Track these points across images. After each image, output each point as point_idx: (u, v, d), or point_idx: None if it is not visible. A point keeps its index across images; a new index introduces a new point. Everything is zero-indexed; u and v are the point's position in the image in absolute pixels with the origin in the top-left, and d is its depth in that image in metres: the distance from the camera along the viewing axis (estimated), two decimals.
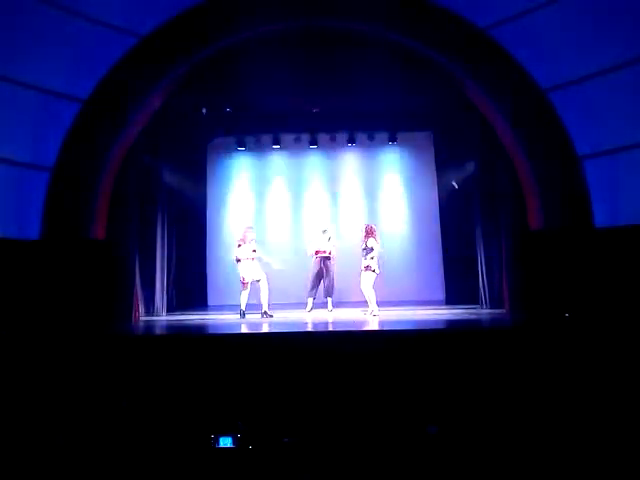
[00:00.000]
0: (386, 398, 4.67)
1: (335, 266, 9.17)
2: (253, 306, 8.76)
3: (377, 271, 8.37)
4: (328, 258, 9.08)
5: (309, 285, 9.10)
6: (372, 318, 8.05)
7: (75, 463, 3.21)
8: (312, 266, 9.10)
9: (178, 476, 3.29)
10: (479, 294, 8.91)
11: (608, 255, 7.08)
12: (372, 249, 8.35)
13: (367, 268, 8.35)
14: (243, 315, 8.45)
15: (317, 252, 9.07)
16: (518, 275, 8.07)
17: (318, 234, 9.24)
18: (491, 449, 3.25)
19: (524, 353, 5.47)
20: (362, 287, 8.45)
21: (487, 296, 8.78)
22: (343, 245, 9.96)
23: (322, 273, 9.03)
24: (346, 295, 10.44)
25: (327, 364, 5.38)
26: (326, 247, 9.08)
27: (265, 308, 8.49)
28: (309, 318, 8.25)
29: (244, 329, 7.40)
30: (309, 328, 7.21)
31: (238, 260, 8.56)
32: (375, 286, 8.42)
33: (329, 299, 9.17)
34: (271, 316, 8.40)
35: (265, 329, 7.33)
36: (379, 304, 8.49)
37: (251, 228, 8.86)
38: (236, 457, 3.37)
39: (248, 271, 8.53)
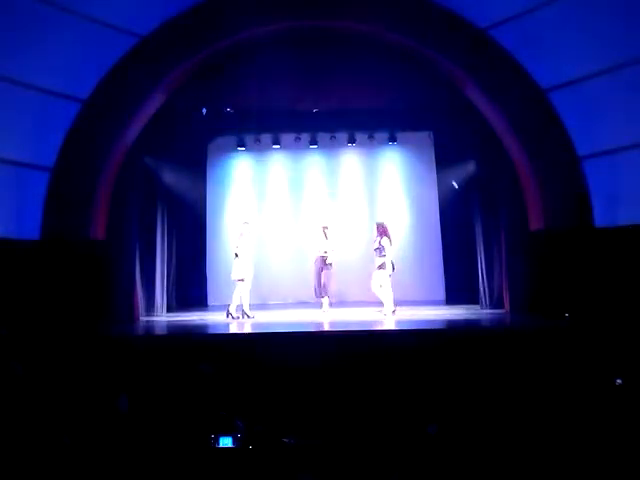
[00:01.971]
0: (386, 398, 4.67)
1: (332, 265, 8.84)
2: (254, 306, 8.75)
3: (389, 271, 8.29)
4: (321, 257, 8.77)
5: (315, 285, 8.80)
6: (386, 318, 7.98)
7: (75, 463, 3.21)
8: (313, 266, 8.87)
9: (178, 476, 3.29)
10: (479, 294, 8.91)
11: (608, 255, 7.08)
12: (384, 248, 8.28)
13: (380, 267, 8.28)
14: (246, 316, 8.29)
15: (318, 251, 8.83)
16: (518, 275, 8.07)
17: (319, 233, 8.99)
18: (491, 450, 3.25)
19: (524, 353, 5.47)
20: (372, 287, 8.36)
21: (487, 296, 8.77)
22: (342, 245, 9.94)
23: (321, 272, 8.75)
24: (347, 295, 10.44)
25: (327, 364, 5.38)
26: (324, 246, 8.81)
27: (231, 308, 8.26)
28: (310, 318, 8.24)
29: (244, 329, 7.40)
30: (309, 328, 7.20)
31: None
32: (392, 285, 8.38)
33: (324, 299, 8.78)
34: (234, 317, 8.20)
35: (265, 330, 7.33)
36: (379, 304, 8.49)
37: (245, 223, 8.63)
38: (236, 457, 3.37)
39: (233, 268, 8.35)
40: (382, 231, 8.46)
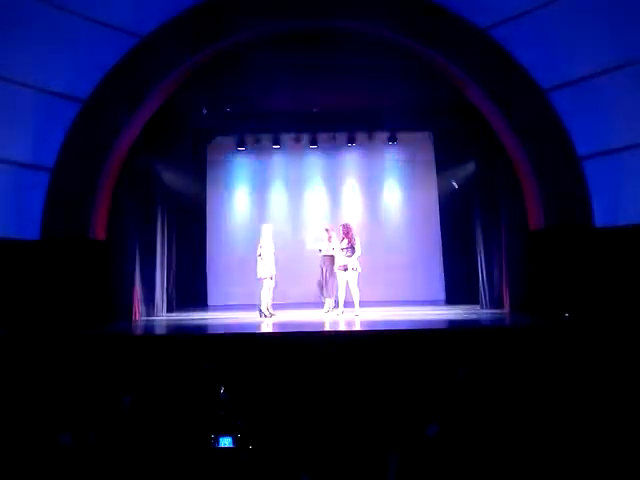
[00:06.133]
0: (386, 398, 4.67)
1: (332, 266, 8.71)
2: (254, 306, 8.76)
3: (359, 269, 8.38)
4: (329, 257, 8.76)
5: (322, 283, 8.88)
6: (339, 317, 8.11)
7: (76, 462, 3.21)
8: (321, 264, 8.92)
9: (178, 476, 3.30)
10: (479, 294, 8.91)
11: (608, 255, 7.08)
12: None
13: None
14: (261, 314, 8.40)
15: (320, 251, 8.89)
16: (518, 275, 8.07)
17: (322, 233, 9.02)
18: (491, 452, 3.26)
19: (524, 353, 5.47)
20: (356, 287, 8.37)
21: (487, 296, 8.78)
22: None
23: (324, 272, 8.78)
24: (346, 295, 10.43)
25: (327, 364, 5.38)
26: (327, 246, 8.80)
27: (262, 307, 8.46)
28: (309, 318, 8.23)
29: (243, 329, 7.40)
30: (308, 328, 7.20)
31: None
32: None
33: (328, 300, 8.75)
34: (266, 316, 8.35)
35: (264, 329, 7.33)
36: (379, 304, 8.49)
37: (266, 224, 8.92)
38: (236, 457, 3.37)
39: (258, 268, 8.55)
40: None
